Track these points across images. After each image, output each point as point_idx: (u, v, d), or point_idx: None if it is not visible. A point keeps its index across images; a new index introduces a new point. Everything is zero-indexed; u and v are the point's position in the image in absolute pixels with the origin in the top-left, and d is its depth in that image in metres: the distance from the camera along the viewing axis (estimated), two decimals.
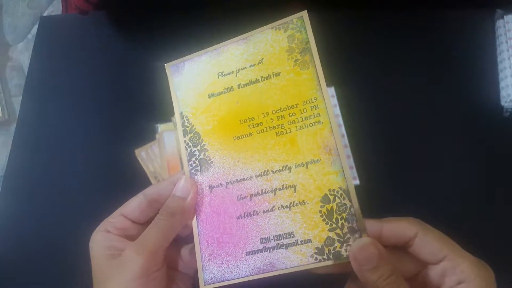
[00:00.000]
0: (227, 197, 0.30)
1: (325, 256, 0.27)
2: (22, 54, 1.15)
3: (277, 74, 0.31)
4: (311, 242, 0.28)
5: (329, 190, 0.28)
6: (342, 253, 0.27)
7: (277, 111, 0.30)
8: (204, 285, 0.29)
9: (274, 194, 0.29)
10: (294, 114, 0.30)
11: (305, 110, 0.30)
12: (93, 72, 0.83)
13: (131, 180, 0.72)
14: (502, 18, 0.82)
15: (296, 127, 0.30)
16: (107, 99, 0.80)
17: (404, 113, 0.78)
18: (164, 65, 0.41)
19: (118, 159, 0.74)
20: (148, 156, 0.73)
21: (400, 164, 0.73)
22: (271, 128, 0.30)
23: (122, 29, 0.87)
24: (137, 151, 0.73)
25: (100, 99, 0.81)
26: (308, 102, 0.31)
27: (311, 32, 0.36)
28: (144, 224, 0.36)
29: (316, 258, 0.27)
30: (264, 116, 0.30)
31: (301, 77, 0.32)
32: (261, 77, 0.31)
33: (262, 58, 0.32)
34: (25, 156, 0.76)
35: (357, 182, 0.69)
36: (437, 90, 0.80)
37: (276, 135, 0.30)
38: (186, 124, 0.33)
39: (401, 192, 0.71)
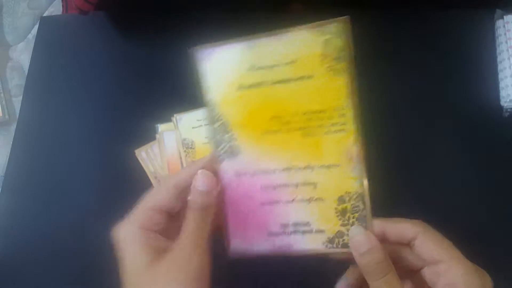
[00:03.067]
0: (252, 185, 0.32)
1: (334, 246, 0.31)
2: (22, 54, 1.15)
3: (310, 77, 0.31)
4: (324, 232, 0.31)
5: (346, 192, 0.32)
6: (348, 243, 0.31)
7: (306, 113, 0.32)
8: (230, 256, 0.33)
9: (296, 187, 0.32)
10: (322, 119, 0.31)
11: (333, 117, 0.32)
12: (93, 72, 0.83)
13: (131, 180, 0.72)
14: (502, 18, 0.82)
15: (322, 131, 0.32)
16: (107, 99, 0.81)
17: (403, 113, 0.78)
18: (188, 50, 0.39)
19: (118, 159, 0.74)
20: (148, 156, 0.73)
21: (399, 164, 0.73)
22: (298, 129, 0.32)
23: (123, 29, 0.87)
24: (137, 151, 0.73)
25: (100, 99, 0.81)
26: (337, 109, 0.31)
27: (351, 39, 0.32)
28: (175, 216, 0.34)
29: (327, 246, 0.31)
30: (293, 116, 0.32)
31: (333, 84, 0.31)
32: (294, 77, 0.31)
33: (296, 58, 0.31)
34: (26, 156, 0.76)
35: None
36: (437, 90, 0.80)
37: (302, 136, 0.32)
38: (214, 111, 0.34)
39: (400, 192, 0.71)
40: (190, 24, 0.87)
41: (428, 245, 0.35)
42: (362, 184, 0.33)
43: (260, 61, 0.32)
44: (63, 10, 1.09)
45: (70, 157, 0.76)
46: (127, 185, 0.73)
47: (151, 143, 0.74)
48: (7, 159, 0.77)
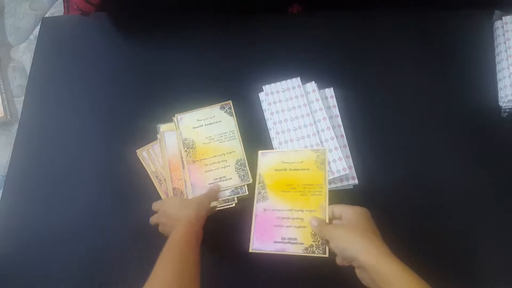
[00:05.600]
0: (271, 215, 0.62)
1: (308, 252, 0.57)
2: (24, 55, 1.16)
3: (308, 169, 0.64)
4: (304, 244, 0.58)
5: None
6: (315, 251, 0.57)
7: (304, 185, 0.63)
8: (251, 250, 0.60)
9: (293, 220, 0.61)
10: (310, 188, 0.63)
11: (316, 187, 0.62)
12: (94, 73, 0.84)
13: (132, 179, 0.73)
14: (501, 19, 0.82)
15: (310, 193, 0.62)
16: (108, 100, 0.81)
17: (402, 113, 0.78)
18: (258, 152, 0.68)
19: (119, 159, 0.75)
20: (149, 156, 0.74)
21: (398, 163, 0.74)
22: (299, 191, 0.63)
23: (123, 30, 0.88)
24: (138, 151, 0.74)
25: (102, 100, 0.81)
26: (318, 184, 0.63)
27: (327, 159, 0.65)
28: None
29: (304, 251, 0.58)
30: (297, 185, 0.63)
31: (318, 173, 0.63)
32: (300, 168, 0.65)
33: (303, 160, 0.65)
34: (27, 156, 0.77)
35: (356, 182, 0.70)
36: (436, 90, 0.80)
37: (300, 195, 0.62)
38: (260, 180, 0.66)
39: (399, 192, 0.72)
40: (191, 25, 0.88)
41: (340, 208, 0.56)
42: (326, 216, 0.59)
43: (286, 160, 0.66)
44: (64, 11, 1.10)
45: (71, 157, 0.76)
46: (128, 184, 0.73)
47: (152, 143, 0.75)
48: (9, 159, 0.77)
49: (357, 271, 0.49)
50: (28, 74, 0.88)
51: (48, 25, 0.90)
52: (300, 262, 0.58)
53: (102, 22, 0.88)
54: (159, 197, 0.71)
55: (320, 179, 0.62)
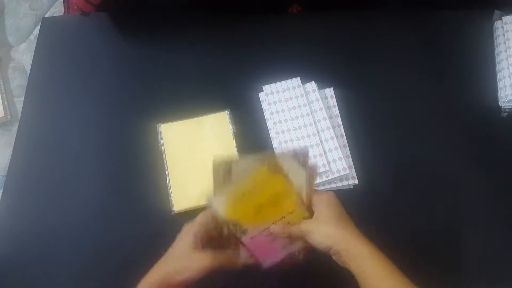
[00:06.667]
0: (259, 237, 0.57)
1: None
2: (24, 55, 1.16)
3: (264, 182, 0.57)
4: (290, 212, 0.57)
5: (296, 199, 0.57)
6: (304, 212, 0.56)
7: (270, 196, 0.57)
8: (264, 267, 0.57)
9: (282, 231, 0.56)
10: (278, 195, 0.58)
11: (283, 193, 0.57)
12: (94, 73, 0.84)
13: (132, 180, 0.73)
14: (501, 19, 0.82)
15: (281, 200, 0.57)
16: (108, 100, 0.81)
17: (402, 113, 0.78)
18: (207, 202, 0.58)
19: (119, 159, 0.75)
20: None
21: (398, 163, 0.74)
22: (270, 205, 0.57)
23: (124, 30, 0.88)
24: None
25: (102, 100, 0.81)
26: (283, 190, 0.57)
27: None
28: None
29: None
30: (265, 201, 0.57)
31: (276, 179, 0.57)
32: (256, 185, 0.57)
33: (254, 177, 0.57)
34: (27, 156, 0.77)
35: (356, 182, 0.70)
36: (436, 90, 0.80)
37: (273, 206, 0.57)
38: (230, 223, 0.57)
39: (398, 192, 0.72)
40: (191, 25, 0.88)
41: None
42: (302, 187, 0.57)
43: (238, 189, 0.57)
44: (64, 11, 1.09)
45: (71, 157, 0.76)
46: (128, 184, 0.73)
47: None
48: (9, 159, 0.77)
49: (336, 260, 0.53)
50: (28, 74, 0.88)
51: (48, 25, 0.90)
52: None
53: (102, 22, 0.88)
54: (160, 196, 0.71)
55: (280, 183, 0.56)
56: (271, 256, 0.58)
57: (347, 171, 0.69)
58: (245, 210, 0.57)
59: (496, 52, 0.82)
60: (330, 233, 0.52)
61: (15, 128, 1.03)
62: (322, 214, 0.54)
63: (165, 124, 0.75)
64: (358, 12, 0.87)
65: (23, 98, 0.84)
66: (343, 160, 0.70)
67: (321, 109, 0.74)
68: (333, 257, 0.52)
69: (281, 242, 0.57)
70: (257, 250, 0.57)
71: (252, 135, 0.75)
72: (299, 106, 0.75)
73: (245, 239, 0.57)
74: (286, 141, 0.72)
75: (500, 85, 0.79)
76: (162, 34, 0.86)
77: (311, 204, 0.56)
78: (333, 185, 0.70)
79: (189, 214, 0.61)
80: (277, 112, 0.75)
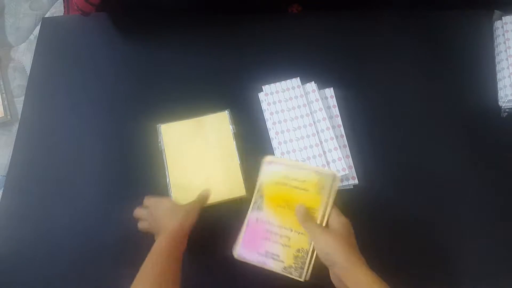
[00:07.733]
0: (262, 227, 0.60)
1: (286, 272, 0.57)
2: (24, 55, 1.16)
3: (307, 190, 0.60)
4: (284, 263, 0.58)
5: (302, 248, 0.58)
6: (292, 273, 0.57)
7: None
8: (236, 257, 0.59)
9: (280, 237, 0.59)
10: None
11: (309, 211, 0.59)
12: (94, 73, 0.84)
13: (132, 180, 0.73)
14: (501, 19, 0.82)
15: None
16: (108, 100, 0.81)
17: (402, 113, 0.78)
18: (264, 159, 0.64)
19: (119, 159, 0.75)
20: None
21: (398, 163, 0.74)
22: (293, 210, 0.59)
23: (124, 30, 0.88)
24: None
25: (102, 100, 0.81)
26: (312, 209, 0.59)
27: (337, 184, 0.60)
28: None
29: (282, 270, 0.58)
30: (293, 203, 0.60)
31: (315, 197, 0.59)
32: (300, 187, 0.61)
33: (305, 180, 0.61)
34: (27, 156, 0.77)
35: (356, 182, 0.70)
36: (436, 90, 0.80)
37: (294, 214, 0.59)
38: (260, 188, 0.62)
39: (399, 192, 0.72)
40: (191, 25, 0.88)
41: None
42: (311, 245, 0.57)
43: (289, 175, 0.62)
44: (64, 11, 1.09)
45: (71, 157, 0.76)
46: (128, 184, 0.73)
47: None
48: (9, 159, 0.77)
49: (332, 275, 0.53)
50: (28, 74, 0.88)
51: (48, 25, 0.90)
52: (283, 280, 0.57)
53: (102, 22, 0.88)
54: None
55: (316, 204, 0.58)
56: (251, 249, 0.59)
57: (347, 171, 0.69)
58: (276, 195, 0.61)
59: (496, 52, 0.82)
60: (341, 250, 0.52)
61: (15, 128, 1.03)
62: (338, 231, 0.55)
63: (165, 124, 0.75)
64: (358, 12, 0.87)
65: (23, 98, 0.84)
66: (342, 160, 0.70)
67: (321, 109, 0.74)
68: (331, 273, 0.53)
69: (272, 247, 0.59)
70: (248, 232, 0.60)
71: (252, 135, 0.75)
72: (299, 106, 0.75)
73: (252, 215, 0.61)
74: (285, 141, 0.72)
75: (500, 85, 0.79)
76: (162, 34, 0.86)
77: (328, 219, 0.57)
78: None
79: None
80: (277, 112, 0.75)
